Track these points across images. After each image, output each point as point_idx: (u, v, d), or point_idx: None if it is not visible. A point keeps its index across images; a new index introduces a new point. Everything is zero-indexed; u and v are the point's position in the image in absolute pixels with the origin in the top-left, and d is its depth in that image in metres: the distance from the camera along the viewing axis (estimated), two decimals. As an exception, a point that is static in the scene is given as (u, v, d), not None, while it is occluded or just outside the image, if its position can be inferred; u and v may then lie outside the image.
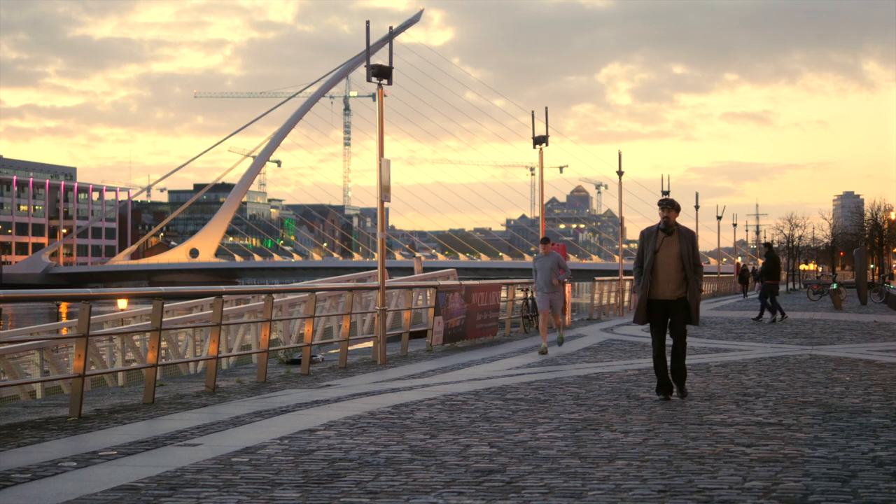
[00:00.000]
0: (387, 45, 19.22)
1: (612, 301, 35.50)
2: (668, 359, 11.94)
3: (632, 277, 43.63)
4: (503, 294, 25.46)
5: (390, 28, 20.79)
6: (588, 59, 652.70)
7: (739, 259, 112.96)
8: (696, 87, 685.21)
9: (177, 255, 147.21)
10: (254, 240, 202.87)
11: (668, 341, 12.13)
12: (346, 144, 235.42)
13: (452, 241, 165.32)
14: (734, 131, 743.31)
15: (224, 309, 14.81)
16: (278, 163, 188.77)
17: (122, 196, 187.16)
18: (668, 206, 11.87)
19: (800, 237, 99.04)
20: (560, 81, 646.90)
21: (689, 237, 11.92)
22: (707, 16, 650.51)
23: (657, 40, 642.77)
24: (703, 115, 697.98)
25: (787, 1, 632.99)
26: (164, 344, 19.35)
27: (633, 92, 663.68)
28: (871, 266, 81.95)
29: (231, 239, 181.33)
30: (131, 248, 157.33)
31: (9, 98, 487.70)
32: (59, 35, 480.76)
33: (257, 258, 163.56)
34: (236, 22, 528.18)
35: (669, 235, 11.85)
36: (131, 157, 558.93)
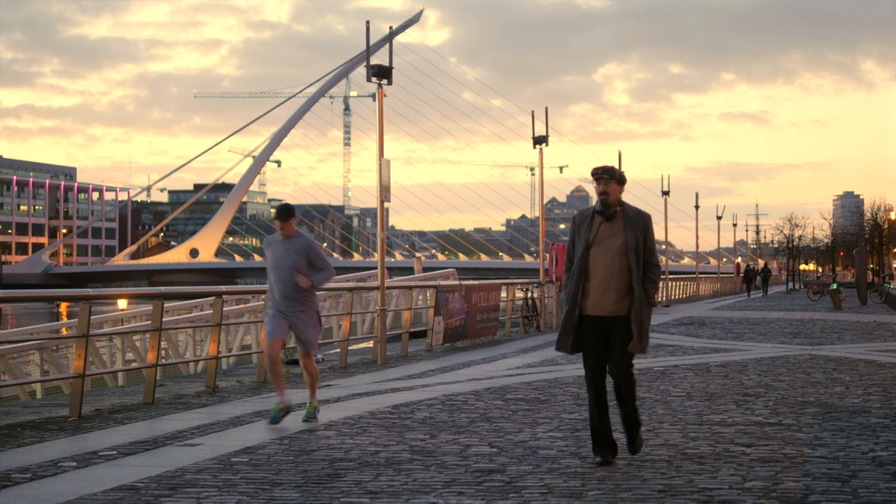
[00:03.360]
0: (385, 45, 19.23)
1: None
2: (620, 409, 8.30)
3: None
4: (503, 294, 25.47)
5: (390, 28, 20.80)
6: (585, 59, 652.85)
7: (739, 259, 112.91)
8: (694, 86, 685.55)
9: (177, 255, 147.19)
10: (254, 240, 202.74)
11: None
12: (346, 144, 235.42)
13: (452, 241, 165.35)
14: (732, 131, 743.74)
15: (224, 309, 14.81)
16: (278, 163, 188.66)
17: (122, 196, 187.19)
18: (607, 177, 8.12)
19: (800, 237, 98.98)
20: (557, 81, 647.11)
21: (641, 223, 8.15)
22: (704, 15, 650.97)
23: (654, 40, 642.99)
24: (700, 114, 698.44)
25: (784, 0, 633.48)
26: (164, 344, 19.35)
27: (631, 92, 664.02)
28: (871, 266, 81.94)
29: (231, 239, 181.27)
30: (131, 248, 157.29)
31: (5, 98, 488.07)
32: (55, 35, 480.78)
33: (257, 258, 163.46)
34: (232, 22, 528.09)
35: (610, 221, 8.12)
36: (129, 158, 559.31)
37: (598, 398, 8.11)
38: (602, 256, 8.10)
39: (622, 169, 42.09)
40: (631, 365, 8.14)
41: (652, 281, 8.16)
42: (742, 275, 70.40)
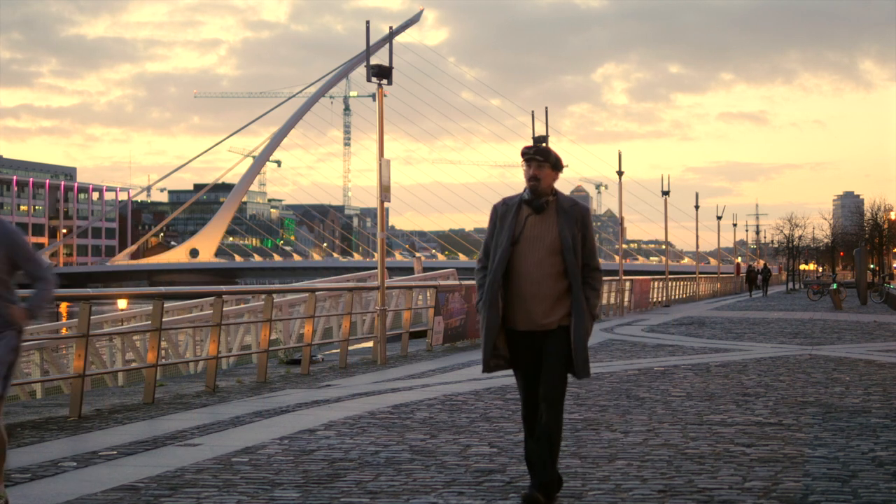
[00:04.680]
0: (385, 45, 19.24)
1: (612, 301, 35.50)
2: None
3: (634, 278, 44.09)
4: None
5: (390, 28, 20.81)
6: (583, 59, 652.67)
7: (739, 259, 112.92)
8: (693, 86, 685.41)
9: (177, 255, 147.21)
10: (254, 240, 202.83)
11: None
12: (346, 144, 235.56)
13: (452, 241, 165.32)
14: (731, 131, 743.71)
15: (224, 309, 14.81)
16: (278, 163, 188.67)
17: (122, 196, 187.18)
18: (540, 158, 6.61)
19: (800, 237, 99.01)
20: (556, 81, 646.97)
21: (578, 217, 6.66)
22: (702, 15, 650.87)
23: (652, 40, 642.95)
24: (699, 114, 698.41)
25: (783, 0, 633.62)
26: (164, 344, 19.34)
27: (630, 92, 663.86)
28: (871, 266, 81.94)
29: (231, 239, 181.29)
30: (131, 248, 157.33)
31: (4, 98, 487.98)
32: (53, 35, 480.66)
33: (257, 258, 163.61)
34: (230, 22, 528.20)
35: (540, 213, 6.62)
36: (129, 158, 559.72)
37: (531, 419, 6.70)
38: (530, 256, 6.54)
39: (622, 169, 41.50)
40: (562, 390, 6.61)
41: (593, 289, 6.64)
42: (744, 275, 70.52)
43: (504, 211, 6.69)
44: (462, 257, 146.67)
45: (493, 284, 6.58)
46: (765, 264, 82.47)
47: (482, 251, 6.75)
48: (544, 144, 6.66)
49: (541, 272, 6.54)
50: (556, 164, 6.65)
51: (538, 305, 6.54)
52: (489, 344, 6.61)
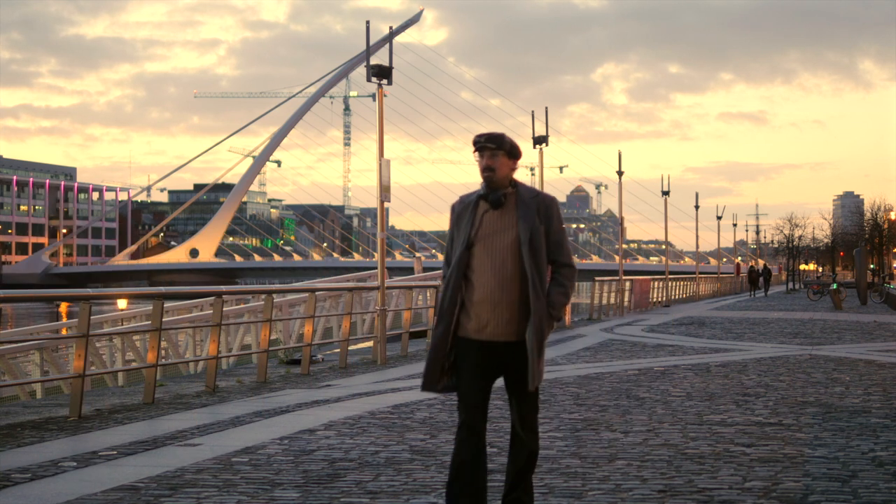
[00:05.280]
0: (384, 45, 19.24)
1: (612, 301, 35.49)
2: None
3: (634, 278, 43.98)
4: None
5: (390, 28, 20.81)
6: (583, 59, 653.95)
7: (739, 259, 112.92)
8: (692, 86, 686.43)
9: (177, 255, 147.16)
10: (254, 240, 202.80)
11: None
12: (346, 144, 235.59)
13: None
14: (731, 131, 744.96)
15: (224, 309, 14.81)
16: (278, 163, 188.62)
17: (122, 196, 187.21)
18: (492, 146, 5.90)
19: (800, 237, 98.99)
20: (555, 81, 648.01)
21: (542, 210, 5.92)
22: (702, 15, 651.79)
23: (652, 40, 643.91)
24: (699, 114, 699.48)
25: (783, 0, 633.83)
26: (164, 344, 19.35)
27: (629, 91, 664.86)
28: (871, 266, 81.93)
29: (231, 239, 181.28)
30: (131, 248, 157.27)
31: (3, 98, 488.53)
32: (52, 35, 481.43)
33: (257, 258, 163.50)
34: (229, 21, 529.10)
35: (498, 208, 5.89)
36: (129, 158, 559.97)
37: (475, 459, 5.82)
38: (488, 258, 5.82)
39: (622, 169, 41.34)
40: (535, 408, 5.88)
41: (561, 285, 5.88)
42: (745, 275, 70.56)
43: (461, 210, 5.98)
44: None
45: (449, 294, 5.82)
46: (765, 264, 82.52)
47: (445, 257, 6.02)
48: (499, 133, 5.88)
49: (502, 276, 5.79)
50: (511, 152, 5.92)
51: (500, 314, 5.78)
52: (435, 362, 5.85)
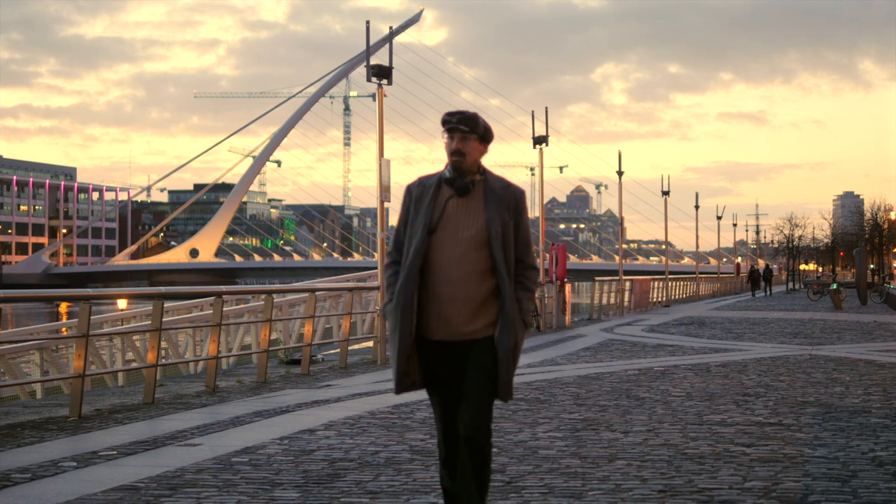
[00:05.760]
0: (384, 45, 19.25)
1: (612, 301, 35.50)
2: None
3: (634, 278, 44.04)
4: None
5: (390, 28, 20.82)
6: (582, 59, 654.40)
7: (739, 259, 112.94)
8: (692, 86, 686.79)
9: (177, 255, 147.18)
10: (254, 240, 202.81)
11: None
12: (346, 144, 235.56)
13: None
14: (731, 131, 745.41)
15: (224, 309, 14.80)
16: (278, 163, 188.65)
17: (122, 196, 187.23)
18: (465, 129, 5.41)
19: (800, 237, 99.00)
20: (555, 81, 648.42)
21: (511, 202, 5.45)
22: (701, 15, 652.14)
23: (652, 40, 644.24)
24: (699, 114, 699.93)
25: (782, 0, 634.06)
26: (164, 344, 19.34)
27: (629, 91, 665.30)
28: (871, 266, 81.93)
29: (231, 239, 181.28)
30: (131, 248, 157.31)
31: (3, 98, 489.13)
32: (52, 35, 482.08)
33: (257, 258, 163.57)
34: (228, 21, 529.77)
35: (464, 196, 5.41)
36: (128, 158, 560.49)
37: (452, 452, 5.52)
38: (450, 248, 5.31)
39: (622, 169, 41.29)
40: (488, 419, 5.39)
41: (527, 289, 5.44)
42: (746, 275, 70.60)
43: (420, 193, 5.43)
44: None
45: (407, 284, 5.32)
46: (767, 265, 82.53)
47: (392, 244, 5.52)
48: (472, 112, 5.30)
49: (463, 269, 5.30)
50: (484, 136, 5.44)
51: (459, 310, 5.30)
52: (403, 358, 5.35)
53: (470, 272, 5.32)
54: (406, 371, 5.39)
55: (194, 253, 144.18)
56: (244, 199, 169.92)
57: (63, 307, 77.12)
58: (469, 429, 5.32)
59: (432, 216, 5.35)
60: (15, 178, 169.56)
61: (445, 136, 5.43)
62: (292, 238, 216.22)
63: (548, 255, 29.48)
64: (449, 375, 5.41)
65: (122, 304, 43.67)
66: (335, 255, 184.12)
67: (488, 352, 5.35)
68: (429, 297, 5.34)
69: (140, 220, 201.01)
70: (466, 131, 5.39)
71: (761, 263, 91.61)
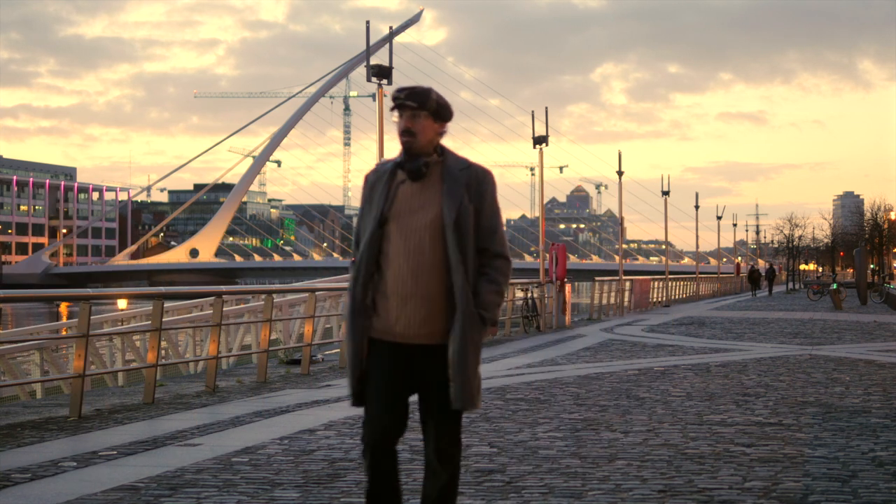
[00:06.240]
0: (384, 45, 19.26)
1: (612, 301, 35.51)
2: None
3: (634, 278, 43.94)
4: (503, 294, 25.42)
5: (390, 28, 20.84)
6: (582, 59, 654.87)
7: (740, 258, 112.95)
8: (692, 86, 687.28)
9: (177, 255, 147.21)
10: (254, 240, 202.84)
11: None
12: (346, 144, 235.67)
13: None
14: (730, 131, 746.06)
15: (224, 309, 14.80)
16: (278, 163, 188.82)
17: (122, 196, 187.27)
18: (413, 105, 4.85)
19: (800, 237, 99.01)
20: (554, 81, 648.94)
21: (473, 184, 4.87)
22: (701, 15, 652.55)
23: (651, 40, 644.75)
24: (698, 114, 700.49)
25: (782, 0, 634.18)
26: (164, 344, 19.34)
27: (628, 91, 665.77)
28: (872, 266, 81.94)
29: (231, 239, 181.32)
30: (131, 248, 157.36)
31: (3, 98, 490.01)
32: (51, 35, 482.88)
33: (257, 258, 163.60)
34: (228, 21, 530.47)
35: (418, 180, 4.87)
36: (128, 158, 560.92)
37: (384, 480, 4.90)
38: (402, 240, 4.78)
39: (622, 169, 41.22)
40: (457, 432, 4.88)
41: (493, 282, 4.82)
42: (746, 275, 70.64)
43: (375, 180, 4.91)
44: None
45: (360, 281, 4.83)
46: (770, 265, 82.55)
47: (354, 240, 5.01)
48: (422, 87, 4.79)
49: (418, 261, 4.75)
50: (438, 112, 4.86)
51: (416, 309, 4.75)
52: (357, 369, 4.86)
53: (425, 266, 4.76)
54: (357, 378, 4.88)
55: (194, 253, 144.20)
56: (244, 199, 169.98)
57: (63, 307, 77.13)
58: (436, 436, 4.85)
59: (384, 204, 4.83)
60: (15, 178, 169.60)
61: (395, 115, 4.88)
62: (292, 238, 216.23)
63: (548, 255, 29.49)
64: (403, 384, 4.82)
65: (122, 304, 43.69)
66: (335, 255, 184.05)
67: (446, 362, 4.78)
68: (382, 295, 4.82)
69: (140, 220, 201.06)
70: (415, 107, 4.82)
71: (762, 263, 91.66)
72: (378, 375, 4.81)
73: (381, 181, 4.87)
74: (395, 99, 4.85)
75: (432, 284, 4.76)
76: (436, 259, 4.77)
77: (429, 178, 4.85)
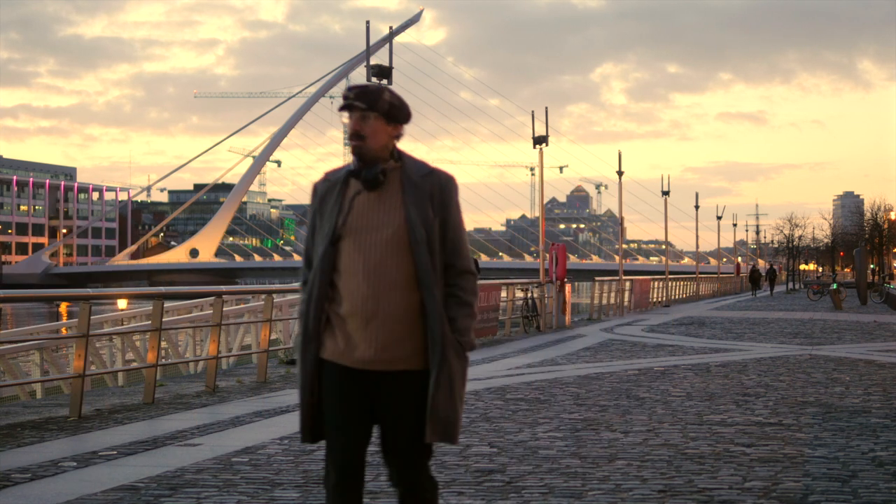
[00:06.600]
0: (384, 45, 19.26)
1: (612, 301, 35.50)
2: None
3: (634, 278, 43.96)
4: (503, 294, 25.46)
5: (390, 28, 20.83)
6: (582, 59, 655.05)
7: (740, 259, 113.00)
8: (691, 86, 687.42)
9: (177, 255, 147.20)
10: (254, 240, 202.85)
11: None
12: (346, 144, 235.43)
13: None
14: (730, 131, 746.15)
15: (224, 309, 14.80)
16: (278, 163, 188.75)
17: (122, 196, 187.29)
18: (362, 106, 4.34)
19: (800, 237, 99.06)
20: (554, 81, 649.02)
21: (436, 193, 4.40)
22: (700, 15, 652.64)
23: (651, 40, 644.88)
24: (698, 114, 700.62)
25: (781, 0, 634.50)
26: (164, 344, 19.34)
27: (628, 91, 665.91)
28: (872, 266, 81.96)
29: (231, 239, 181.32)
30: (131, 248, 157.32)
31: (2, 98, 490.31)
32: (50, 35, 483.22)
33: (257, 258, 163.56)
34: (227, 21, 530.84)
35: (374, 189, 4.36)
36: (128, 158, 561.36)
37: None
38: (361, 256, 4.29)
39: (622, 169, 41.21)
40: (428, 468, 4.40)
41: (466, 304, 4.40)
42: (746, 275, 70.70)
43: (325, 190, 4.41)
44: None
45: (313, 305, 4.34)
46: (771, 265, 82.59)
47: (304, 259, 4.48)
48: (380, 83, 4.16)
49: (380, 280, 4.27)
50: (390, 113, 4.36)
51: (378, 332, 4.27)
52: (307, 403, 4.39)
53: (390, 283, 4.27)
54: (313, 418, 4.40)
55: (194, 253, 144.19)
56: (244, 199, 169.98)
57: (63, 307, 77.13)
58: (403, 471, 4.36)
59: (338, 218, 4.32)
60: (15, 178, 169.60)
61: (345, 116, 4.39)
62: (292, 238, 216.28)
63: (548, 255, 29.49)
64: (362, 411, 4.34)
65: (122, 304, 43.68)
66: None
67: (415, 389, 4.31)
68: (340, 316, 4.31)
69: (140, 220, 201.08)
70: (364, 108, 4.32)
71: (762, 263, 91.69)
72: (336, 402, 4.33)
73: (333, 192, 4.38)
74: (344, 98, 4.38)
75: (397, 304, 4.28)
76: (399, 276, 4.28)
77: (387, 187, 4.35)
